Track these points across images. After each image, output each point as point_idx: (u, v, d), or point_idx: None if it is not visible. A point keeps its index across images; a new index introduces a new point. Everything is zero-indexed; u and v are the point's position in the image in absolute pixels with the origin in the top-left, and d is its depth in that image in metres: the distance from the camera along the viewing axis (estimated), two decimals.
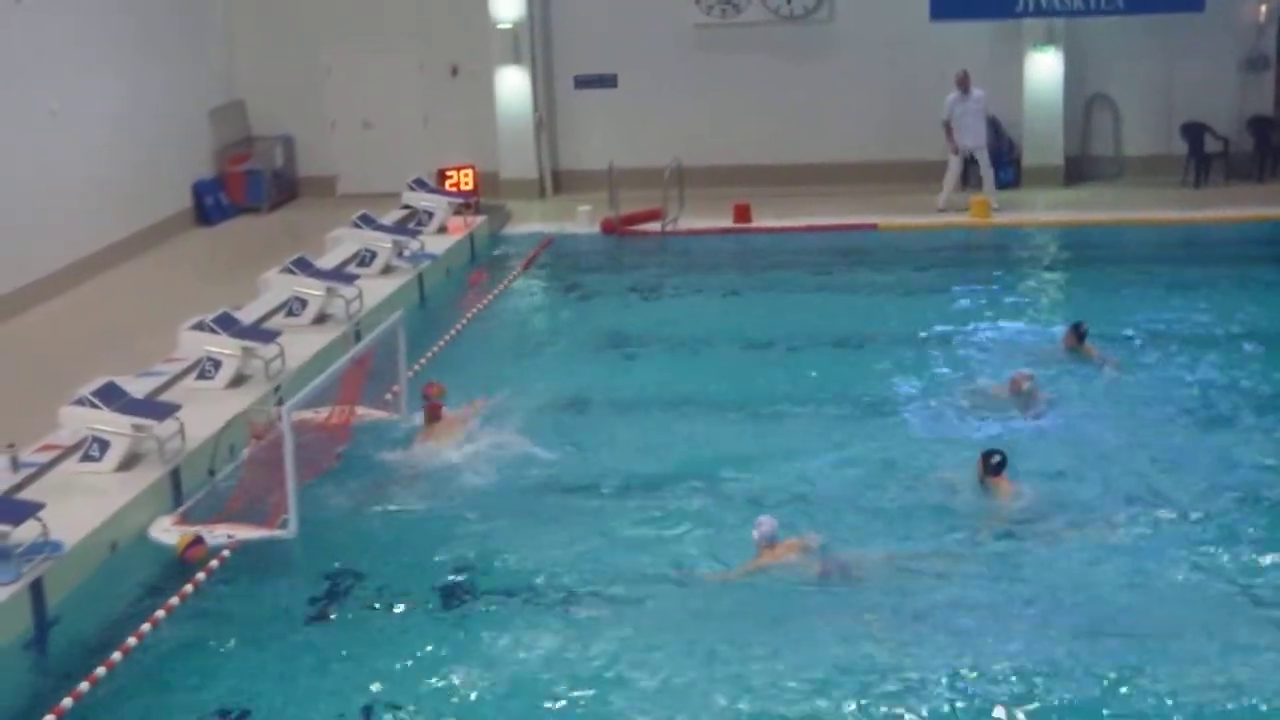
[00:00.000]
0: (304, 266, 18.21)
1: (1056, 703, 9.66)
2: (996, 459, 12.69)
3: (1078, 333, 16.21)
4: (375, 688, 10.19)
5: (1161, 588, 11.14)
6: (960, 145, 23.49)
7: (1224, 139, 24.46)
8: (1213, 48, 24.37)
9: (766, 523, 11.66)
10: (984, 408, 14.83)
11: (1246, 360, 16.20)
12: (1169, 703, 9.58)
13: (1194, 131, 24.42)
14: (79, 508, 12.37)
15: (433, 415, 14.47)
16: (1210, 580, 11.24)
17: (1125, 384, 15.43)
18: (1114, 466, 13.34)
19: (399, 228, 21.42)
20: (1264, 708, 9.49)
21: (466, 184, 23.77)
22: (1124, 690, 9.74)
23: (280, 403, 13.54)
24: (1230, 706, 9.54)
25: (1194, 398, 15.09)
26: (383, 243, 20.26)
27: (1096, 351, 16.09)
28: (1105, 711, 9.55)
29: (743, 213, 23.38)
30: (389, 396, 15.33)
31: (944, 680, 9.92)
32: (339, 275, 18.55)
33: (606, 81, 25.97)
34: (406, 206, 22.70)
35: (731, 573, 11.60)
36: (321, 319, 17.71)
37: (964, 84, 23.36)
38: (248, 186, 25.73)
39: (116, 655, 10.69)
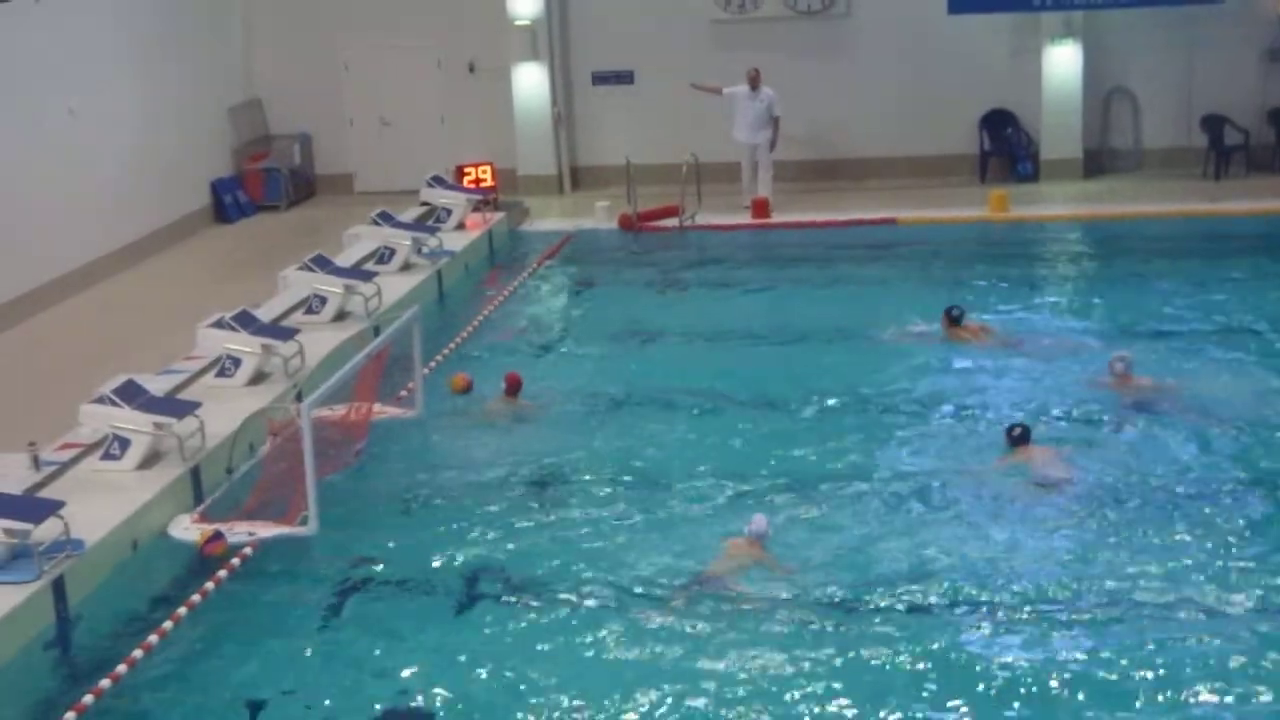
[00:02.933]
0: (323, 264, 18.23)
1: None
2: (1018, 431, 13.07)
3: (950, 316, 16.49)
4: (394, 683, 10.21)
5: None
6: (736, 138, 23.70)
7: (1244, 131, 24.34)
8: (1233, 39, 24.25)
9: (760, 521, 11.83)
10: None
11: (1267, 353, 16.12)
12: None
13: (1214, 124, 24.32)
14: (100, 506, 12.39)
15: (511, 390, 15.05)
16: None
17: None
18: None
19: (417, 225, 21.43)
20: None
21: (485, 181, 23.80)
22: None
23: (299, 400, 13.54)
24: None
25: (1217, 392, 15.00)
26: (401, 240, 20.27)
27: (981, 330, 16.32)
28: None
29: (761, 208, 23.36)
30: (404, 393, 15.33)
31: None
32: (358, 273, 18.57)
33: (624, 78, 25.97)
34: (425, 203, 22.71)
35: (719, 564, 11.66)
36: (341, 316, 17.73)
37: (754, 82, 23.53)
38: (266, 184, 25.78)
39: (138, 653, 10.72)
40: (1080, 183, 24.47)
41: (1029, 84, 24.51)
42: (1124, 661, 10.01)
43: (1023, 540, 11.88)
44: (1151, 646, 10.18)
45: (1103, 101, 25.09)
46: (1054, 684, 9.83)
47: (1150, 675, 9.84)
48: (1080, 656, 10.11)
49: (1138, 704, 9.58)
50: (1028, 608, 10.86)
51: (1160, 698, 9.62)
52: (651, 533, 12.39)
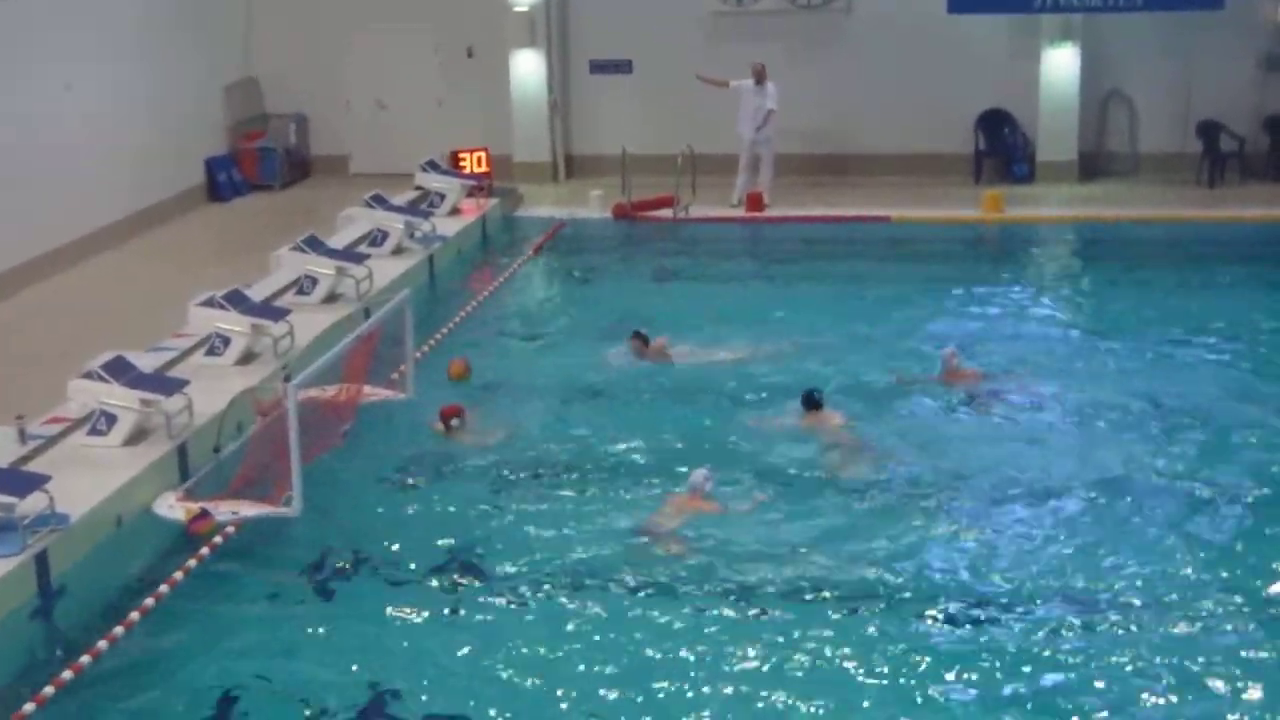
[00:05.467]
0: (315, 245, 18.22)
1: None
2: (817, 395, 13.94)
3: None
4: (374, 666, 10.21)
5: None
6: (739, 133, 23.61)
7: (1240, 138, 24.37)
8: (1231, 47, 24.27)
9: (698, 474, 12.57)
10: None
11: (1257, 360, 16.17)
12: None
13: (1209, 130, 24.35)
14: (85, 481, 12.39)
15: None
16: None
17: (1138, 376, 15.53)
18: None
19: (411, 209, 21.43)
20: None
21: (479, 166, 23.81)
22: None
23: (287, 380, 13.54)
24: None
25: (1204, 395, 15.05)
26: (394, 223, 20.26)
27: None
28: None
29: (755, 201, 23.37)
30: (395, 376, 15.34)
31: None
32: (350, 254, 18.57)
33: (622, 67, 25.96)
34: (419, 188, 22.71)
35: (663, 516, 12.25)
36: (332, 298, 17.73)
37: (760, 76, 23.42)
38: (261, 164, 25.77)
39: (119, 629, 10.72)
40: (1075, 185, 24.49)
41: (1027, 85, 24.52)
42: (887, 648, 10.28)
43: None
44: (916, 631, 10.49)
45: (1100, 105, 25.12)
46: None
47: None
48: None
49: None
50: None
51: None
52: (634, 515, 12.41)
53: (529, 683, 10.00)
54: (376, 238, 20.05)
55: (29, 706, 9.70)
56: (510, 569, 11.60)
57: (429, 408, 14.77)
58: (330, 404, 14.24)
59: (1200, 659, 10.05)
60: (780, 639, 10.42)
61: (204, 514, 12.34)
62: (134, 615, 10.92)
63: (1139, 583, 11.15)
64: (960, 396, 14.99)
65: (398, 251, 20.04)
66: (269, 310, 16.20)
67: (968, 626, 10.57)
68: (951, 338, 16.60)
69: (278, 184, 25.78)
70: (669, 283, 20.09)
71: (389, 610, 11.06)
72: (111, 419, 13.28)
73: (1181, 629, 10.48)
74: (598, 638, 10.56)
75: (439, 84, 26.32)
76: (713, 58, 24.50)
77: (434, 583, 11.46)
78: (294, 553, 12.05)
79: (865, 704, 9.67)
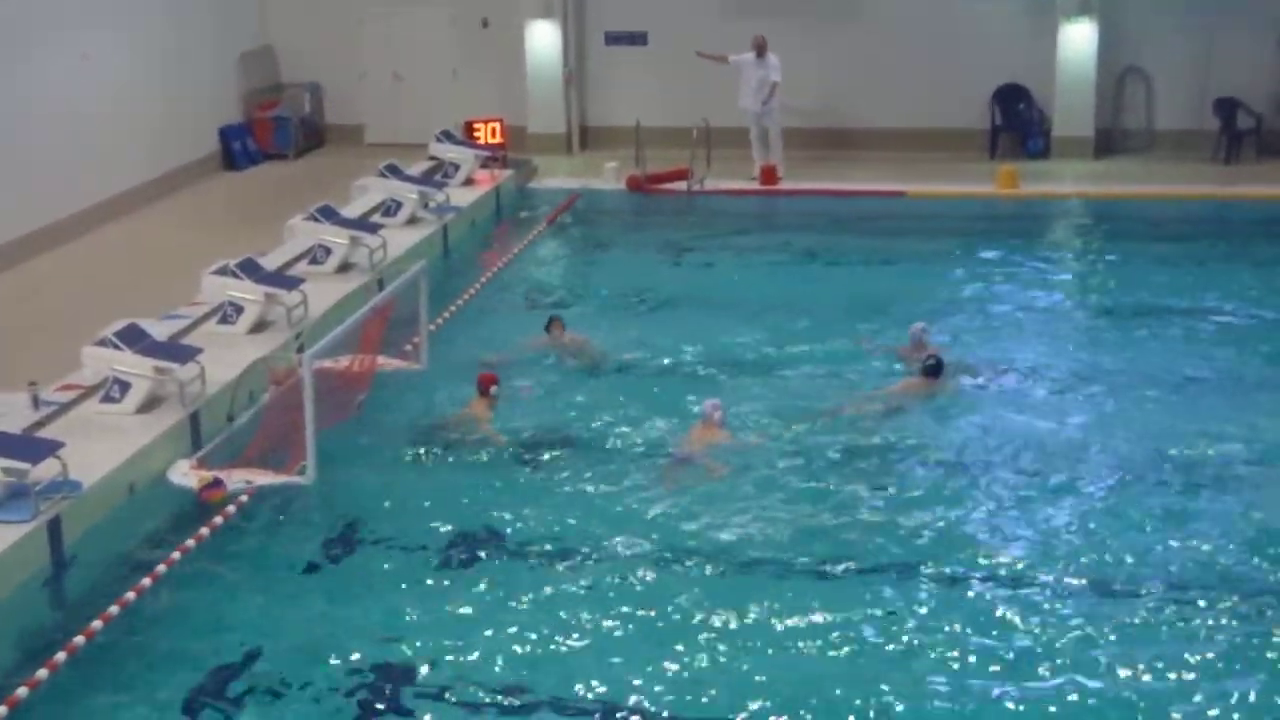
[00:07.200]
0: (329, 214, 18.21)
1: None
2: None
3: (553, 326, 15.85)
4: (384, 634, 10.25)
5: None
6: (741, 106, 23.55)
7: (1257, 116, 24.25)
8: (1249, 24, 24.15)
9: (708, 404, 13.40)
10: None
11: (1275, 339, 16.14)
12: None
13: (1226, 107, 24.25)
14: (98, 448, 12.41)
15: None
16: None
17: (1155, 359, 15.46)
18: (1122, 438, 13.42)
19: (425, 179, 21.41)
20: None
21: (494, 137, 23.77)
22: None
23: (301, 350, 13.55)
24: None
25: (1218, 370, 15.06)
26: (408, 193, 20.24)
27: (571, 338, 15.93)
28: None
29: (769, 175, 23.33)
30: (409, 347, 15.34)
31: None
32: (364, 224, 18.55)
33: (637, 39, 25.90)
34: (433, 158, 22.70)
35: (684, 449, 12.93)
36: (345, 268, 17.72)
37: (761, 49, 23.34)
38: (275, 133, 25.76)
39: (131, 595, 10.76)
40: (1091, 162, 24.41)
41: (1043, 60, 24.44)
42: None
43: None
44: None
45: (1116, 81, 25.01)
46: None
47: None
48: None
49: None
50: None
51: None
52: (645, 491, 12.42)
53: (535, 661, 9.99)
54: (390, 208, 20.03)
55: (42, 672, 9.74)
56: (522, 546, 11.59)
57: (444, 379, 14.79)
58: (345, 374, 14.26)
59: (1208, 644, 10.04)
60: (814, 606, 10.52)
61: (217, 482, 12.36)
62: (146, 581, 10.95)
63: (1149, 564, 11.16)
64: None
65: (412, 221, 20.02)
66: (282, 279, 16.20)
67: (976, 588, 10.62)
68: (954, 312, 16.74)
69: (292, 153, 25.77)
70: (683, 255, 20.06)
71: (399, 580, 11.08)
72: (125, 386, 13.31)
73: (1188, 612, 10.46)
74: (619, 607, 10.58)
75: (454, 54, 26.27)
76: (727, 31, 24.41)
77: (445, 556, 11.46)
78: (307, 521, 12.08)
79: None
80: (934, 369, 14.45)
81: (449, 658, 9.99)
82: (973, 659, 9.86)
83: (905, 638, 10.12)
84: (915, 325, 15.64)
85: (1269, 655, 9.85)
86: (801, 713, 9.29)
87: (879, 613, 10.44)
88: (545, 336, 15.84)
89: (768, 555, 11.32)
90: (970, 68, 24.71)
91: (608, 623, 10.40)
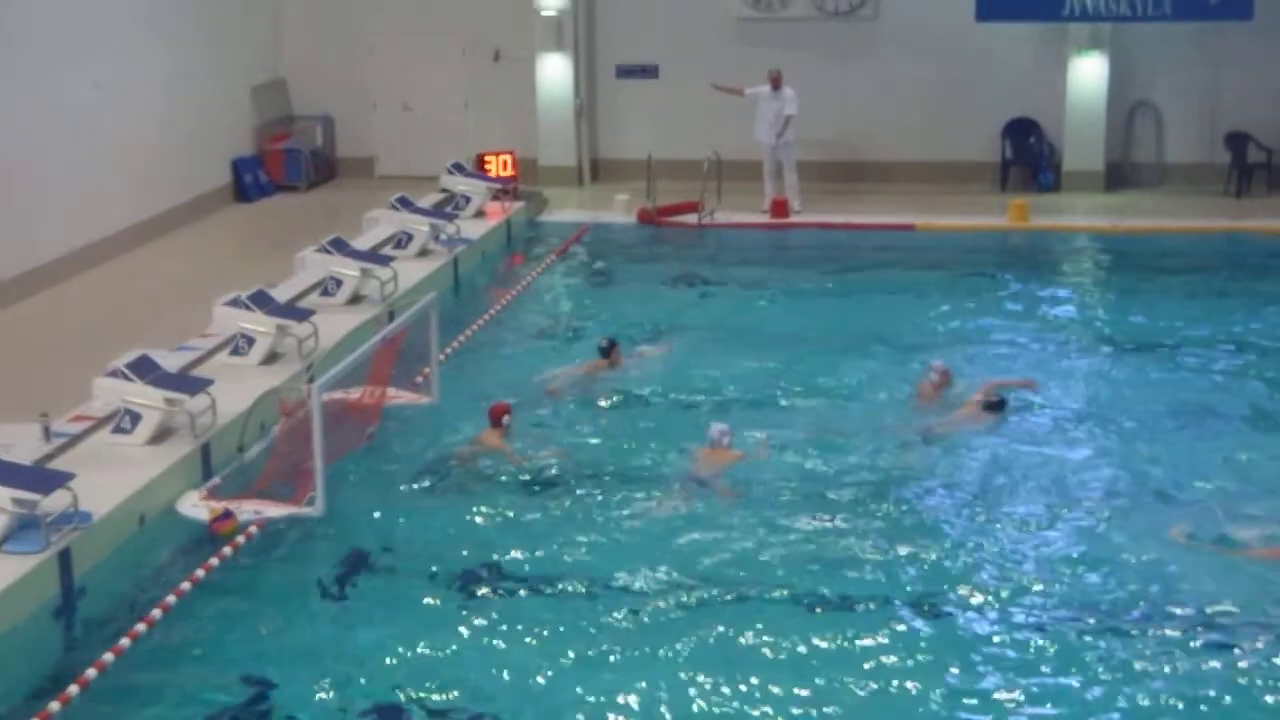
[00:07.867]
0: (340, 246, 18.24)
1: None
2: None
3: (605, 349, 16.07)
4: (393, 666, 10.24)
5: None
6: (757, 139, 23.59)
7: (1268, 150, 24.27)
8: (1259, 57, 24.19)
9: (714, 428, 13.67)
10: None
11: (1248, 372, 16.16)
12: None
13: (1237, 141, 24.27)
14: (109, 479, 12.40)
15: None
16: None
17: (1167, 393, 15.43)
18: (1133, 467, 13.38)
19: (436, 211, 21.43)
20: None
21: (506, 170, 23.82)
22: None
23: (311, 381, 13.57)
24: None
25: (1232, 404, 15.04)
26: (419, 225, 20.28)
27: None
28: None
29: (780, 208, 23.35)
30: (419, 379, 15.34)
31: None
32: (375, 256, 18.58)
33: (648, 72, 25.98)
34: (444, 190, 22.75)
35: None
36: (356, 299, 17.75)
37: (776, 82, 23.38)
38: (287, 165, 25.82)
39: (141, 627, 10.74)
40: (1102, 195, 24.43)
41: (1054, 94, 24.48)
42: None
43: None
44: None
45: (1127, 115, 25.05)
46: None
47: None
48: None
49: None
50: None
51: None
52: (656, 522, 12.41)
53: (543, 692, 9.96)
54: (401, 240, 20.07)
55: (54, 705, 9.71)
56: (530, 577, 11.56)
57: (454, 410, 14.78)
58: (355, 406, 14.25)
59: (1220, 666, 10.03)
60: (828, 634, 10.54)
61: (227, 514, 12.35)
62: (156, 613, 10.93)
63: (1153, 591, 11.14)
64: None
65: (423, 254, 20.05)
66: (293, 311, 16.22)
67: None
68: (965, 345, 16.81)
69: (303, 185, 25.84)
70: (692, 288, 20.05)
71: (408, 612, 11.06)
72: (136, 417, 13.31)
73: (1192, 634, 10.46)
74: (621, 640, 10.55)
75: (466, 87, 26.35)
76: (739, 64, 24.50)
77: (453, 588, 11.43)
78: (317, 553, 12.06)
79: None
80: (998, 405, 14.46)
81: (458, 690, 9.95)
82: (985, 693, 9.84)
83: (914, 670, 10.08)
84: (936, 363, 15.50)
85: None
86: None
87: (895, 644, 10.40)
88: (603, 361, 15.95)
89: (783, 585, 11.28)
90: (981, 101, 24.77)
91: (614, 656, 10.37)
